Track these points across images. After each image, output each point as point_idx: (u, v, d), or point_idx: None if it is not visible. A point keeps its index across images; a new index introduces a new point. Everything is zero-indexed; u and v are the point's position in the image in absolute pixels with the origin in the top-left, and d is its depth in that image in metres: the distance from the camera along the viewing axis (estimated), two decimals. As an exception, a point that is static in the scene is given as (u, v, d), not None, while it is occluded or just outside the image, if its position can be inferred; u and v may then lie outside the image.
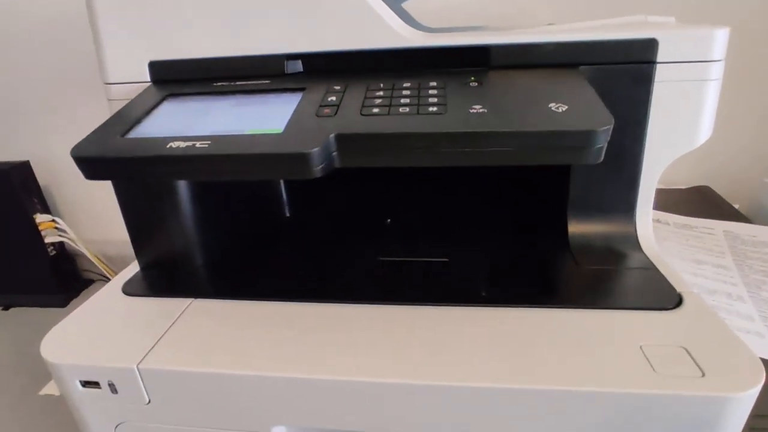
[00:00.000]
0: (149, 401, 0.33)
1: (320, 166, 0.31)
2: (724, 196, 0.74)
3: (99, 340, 0.34)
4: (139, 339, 0.34)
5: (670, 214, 0.70)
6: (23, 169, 0.85)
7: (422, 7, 0.58)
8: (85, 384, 0.33)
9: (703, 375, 0.28)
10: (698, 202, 0.75)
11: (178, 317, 0.36)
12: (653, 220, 0.56)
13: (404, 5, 0.60)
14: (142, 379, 0.32)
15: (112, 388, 0.32)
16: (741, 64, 0.71)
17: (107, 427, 0.35)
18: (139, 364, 0.31)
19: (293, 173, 0.32)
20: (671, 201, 0.74)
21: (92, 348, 0.33)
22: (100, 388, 0.33)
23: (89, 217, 0.96)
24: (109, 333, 0.35)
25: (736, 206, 0.73)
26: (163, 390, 0.32)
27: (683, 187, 0.78)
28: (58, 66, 0.82)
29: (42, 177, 0.88)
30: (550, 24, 0.53)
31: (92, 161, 0.33)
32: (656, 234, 0.63)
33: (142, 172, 0.33)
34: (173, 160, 0.32)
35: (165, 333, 0.34)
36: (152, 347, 0.33)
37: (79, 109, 0.85)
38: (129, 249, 0.91)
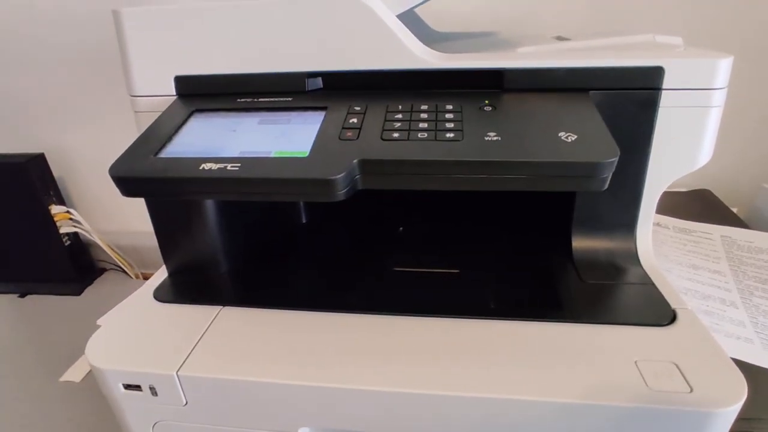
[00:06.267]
0: (186, 403, 0.36)
1: (344, 190, 0.34)
2: (723, 200, 0.76)
3: (139, 346, 0.37)
4: (176, 346, 0.36)
5: (670, 218, 0.72)
6: (39, 162, 0.86)
7: (433, 10, 0.59)
8: (127, 387, 0.36)
9: (692, 390, 0.31)
10: (698, 205, 0.77)
11: (210, 325, 0.39)
12: (654, 224, 0.57)
13: (416, 10, 0.61)
14: (180, 384, 0.35)
15: (153, 392, 0.35)
16: (743, 70, 0.72)
17: (145, 426, 0.38)
18: (178, 371, 0.34)
19: (319, 197, 0.34)
20: (672, 204, 0.75)
21: (134, 354, 0.36)
22: (141, 391, 0.36)
23: (103, 208, 0.98)
24: (148, 339, 0.38)
25: (735, 210, 0.75)
26: (199, 393, 0.35)
27: (684, 189, 0.80)
28: (73, 61, 0.83)
29: (57, 169, 0.90)
30: (559, 37, 0.55)
31: (129, 181, 0.35)
32: (656, 238, 0.66)
33: (176, 192, 0.35)
34: (205, 182, 0.34)
35: (199, 340, 0.37)
36: (189, 354, 0.35)
37: (92, 103, 0.87)
38: (141, 239, 0.94)
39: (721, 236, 0.68)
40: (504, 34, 0.64)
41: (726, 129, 0.47)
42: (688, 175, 0.42)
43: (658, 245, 0.65)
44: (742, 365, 0.38)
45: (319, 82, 0.42)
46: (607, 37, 0.47)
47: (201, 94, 0.43)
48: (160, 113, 0.41)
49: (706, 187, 0.80)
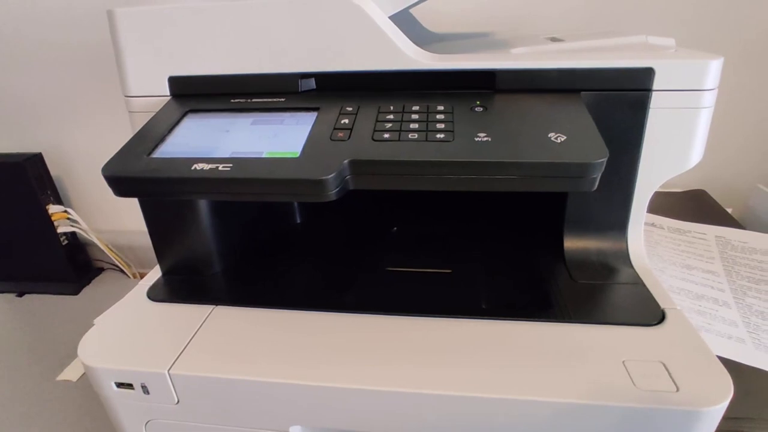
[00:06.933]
0: (178, 401, 0.36)
1: (335, 190, 0.34)
2: (718, 201, 0.77)
3: (131, 344, 0.38)
4: (168, 344, 0.37)
5: (665, 218, 0.73)
6: (36, 161, 0.87)
7: (429, 10, 0.59)
8: (119, 385, 0.36)
9: (678, 390, 0.31)
10: (693, 205, 0.77)
11: (202, 324, 0.39)
12: (648, 224, 0.57)
13: (411, 10, 0.61)
14: (172, 383, 0.35)
15: (145, 390, 0.36)
16: (739, 72, 0.73)
17: (137, 424, 0.38)
18: (169, 369, 0.35)
19: (310, 197, 0.34)
20: (667, 204, 0.76)
21: (126, 352, 0.37)
22: (133, 389, 0.36)
23: (100, 207, 0.99)
24: (140, 338, 0.38)
25: (730, 210, 0.75)
26: (191, 392, 0.36)
27: (679, 190, 0.81)
28: (72, 61, 0.83)
29: (54, 168, 0.91)
30: (552, 38, 0.55)
31: (122, 181, 0.35)
32: (650, 238, 0.66)
33: (168, 192, 0.36)
34: (197, 182, 0.34)
35: (191, 339, 0.37)
36: (181, 353, 0.36)
37: (90, 103, 0.87)
38: (139, 239, 0.94)
39: (716, 236, 0.68)
40: (498, 34, 0.64)
41: (721, 130, 0.47)
42: (683, 175, 0.42)
43: (653, 245, 0.65)
44: (733, 365, 0.38)
45: (312, 83, 0.43)
46: (600, 38, 0.48)
47: (195, 94, 0.43)
48: (154, 113, 0.42)
49: (701, 188, 0.80)
